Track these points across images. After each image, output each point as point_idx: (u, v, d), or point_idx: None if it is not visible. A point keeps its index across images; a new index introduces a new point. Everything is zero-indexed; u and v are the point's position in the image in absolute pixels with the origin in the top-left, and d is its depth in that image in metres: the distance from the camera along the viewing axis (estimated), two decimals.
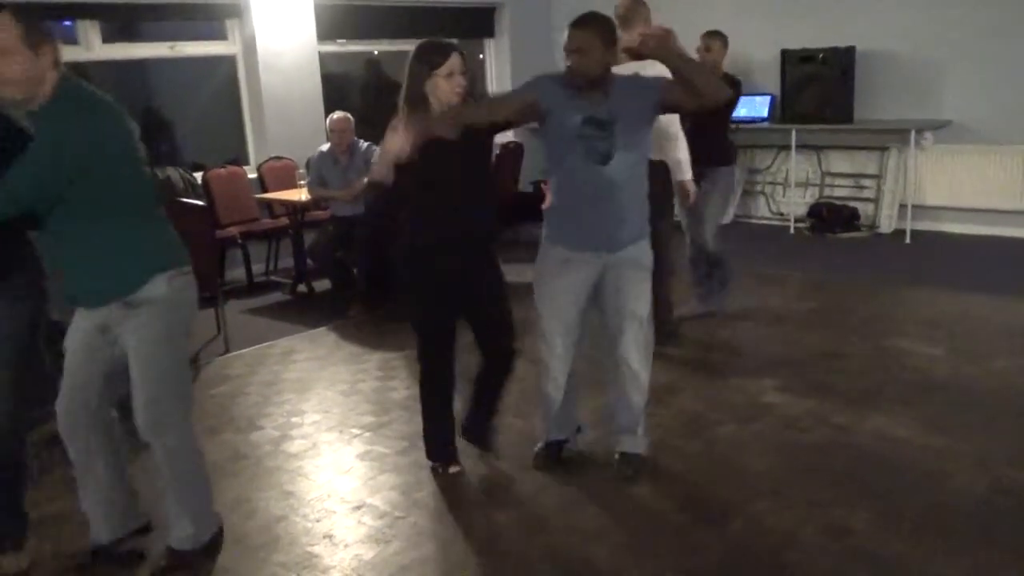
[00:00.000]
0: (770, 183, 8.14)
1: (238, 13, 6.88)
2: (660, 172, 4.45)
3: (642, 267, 3.20)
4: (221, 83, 7.24)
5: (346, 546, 2.98)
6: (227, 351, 5.14)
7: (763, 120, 7.74)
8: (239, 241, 6.49)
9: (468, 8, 8.57)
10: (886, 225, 7.50)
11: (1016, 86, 6.74)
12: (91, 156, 2.42)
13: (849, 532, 2.90)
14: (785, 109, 7.58)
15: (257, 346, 5.22)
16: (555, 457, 3.49)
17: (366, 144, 5.96)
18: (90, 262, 2.57)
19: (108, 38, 6.33)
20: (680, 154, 4.44)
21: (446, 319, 3.23)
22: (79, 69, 7.01)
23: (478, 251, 3.20)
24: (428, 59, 2.97)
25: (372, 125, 6.44)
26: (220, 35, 6.97)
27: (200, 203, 5.54)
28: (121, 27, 6.74)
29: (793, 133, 7.53)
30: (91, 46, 6.19)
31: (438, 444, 3.42)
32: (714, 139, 4.95)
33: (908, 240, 7.08)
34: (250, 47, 6.92)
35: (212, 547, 2.91)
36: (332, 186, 5.90)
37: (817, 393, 4.08)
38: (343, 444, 3.82)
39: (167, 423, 2.70)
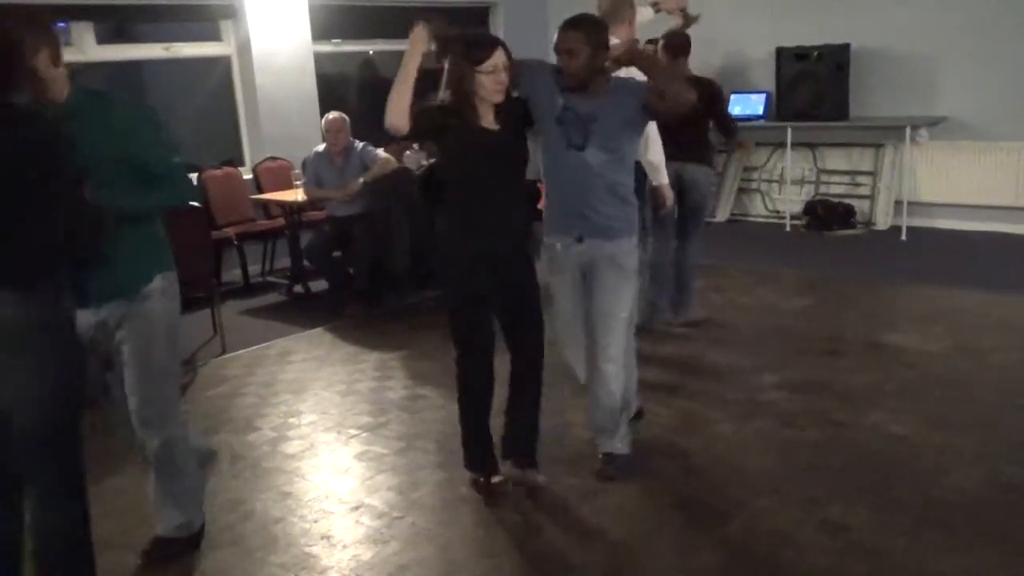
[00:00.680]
0: (766, 181, 8.15)
1: (232, 14, 6.86)
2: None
3: (619, 266, 3.17)
4: (216, 84, 7.23)
5: (344, 547, 2.98)
6: (224, 352, 5.13)
7: (759, 118, 7.74)
8: (235, 242, 6.47)
9: (462, 7, 8.56)
10: (882, 222, 7.51)
11: (1011, 82, 6.75)
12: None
13: (848, 529, 2.90)
14: (780, 106, 7.58)
15: (254, 347, 5.21)
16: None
17: (361, 144, 5.95)
18: (119, 256, 2.56)
19: (103, 39, 6.31)
20: (654, 157, 4.14)
21: (481, 312, 3.10)
22: (74, 71, 7.04)
23: (513, 248, 3.10)
24: (471, 54, 2.89)
25: (368, 125, 6.44)
26: (215, 36, 6.96)
27: (196, 204, 5.52)
28: (115, 28, 6.73)
29: (788, 130, 7.53)
30: (85, 48, 6.16)
31: (477, 455, 3.24)
32: (697, 138, 4.83)
33: (904, 237, 7.08)
34: (245, 48, 6.90)
35: (198, 538, 2.97)
36: (328, 186, 5.89)
37: (815, 390, 4.08)
38: (340, 445, 3.81)
39: (167, 416, 2.75)
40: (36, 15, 2.45)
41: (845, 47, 7.18)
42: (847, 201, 7.62)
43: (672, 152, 4.27)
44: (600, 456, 3.39)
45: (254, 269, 6.81)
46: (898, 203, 7.34)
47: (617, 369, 3.23)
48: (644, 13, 4.36)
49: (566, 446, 3.64)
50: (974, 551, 2.74)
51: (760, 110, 7.75)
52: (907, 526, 2.90)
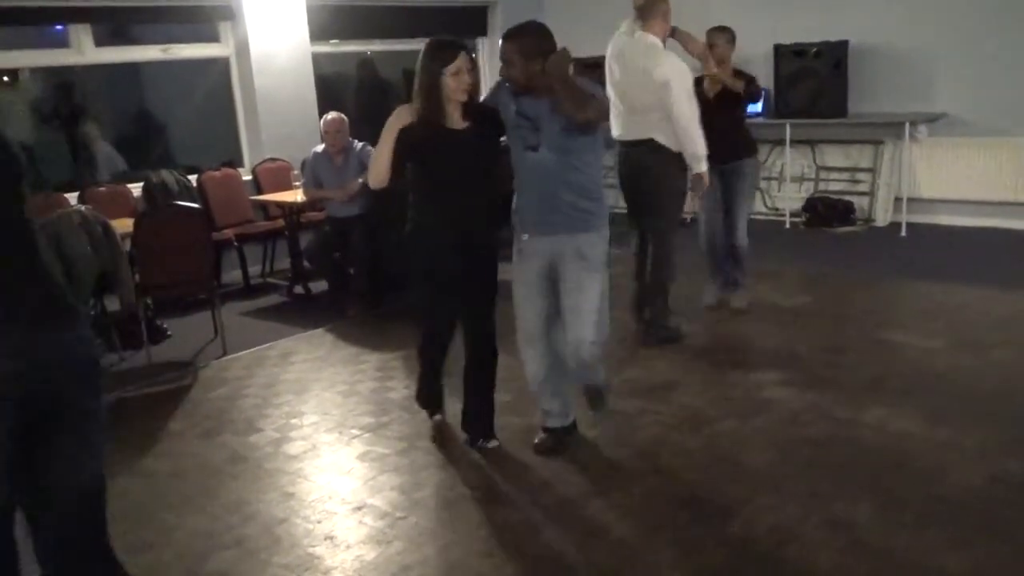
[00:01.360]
0: (765, 178, 8.12)
1: (230, 15, 6.86)
2: (662, 164, 4.46)
3: (584, 259, 3.25)
4: (214, 85, 7.22)
5: (347, 547, 2.98)
6: (224, 354, 5.12)
7: (757, 115, 7.72)
8: (235, 243, 6.48)
9: (461, 7, 8.56)
10: (881, 218, 7.51)
11: (1010, 78, 6.75)
12: None
13: (850, 526, 2.90)
14: (779, 104, 7.58)
15: (255, 348, 5.21)
16: (558, 444, 3.55)
17: (360, 144, 5.95)
18: None
19: (100, 42, 6.30)
20: (696, 148, 4.41)
21: (447, 291, 3.43)
22: (71, 73, 7.03)
23: (477, 244, 3.38)
24: (438, 56, 3.18)
25: (366, 125, 6.45)
26: (213, 37, 6.96)
27: (195, 206, 5.54)
28: (113, 30, 6.72)
29: (787, 128, 7.52)
30: (83, 50, 6.16)
31: (426, 397, 3.78)
32: (737, 131, 5.02)
33: (903, 233, 7.09)
34: (243, 49, 6.90)
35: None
36: (327, 187, 5.89)
37: (817, 387, 4.08)
38: (343, 445, 3.82)
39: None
40: None
41: (844, 44, 7.18)
42: (847, 198, 7.61)
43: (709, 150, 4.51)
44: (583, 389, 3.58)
45: (254, 270, 6.81)
46: (898, 200, 7.34)
47: (594, 358, 3.37)
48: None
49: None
50: (976, 547, 2.74)
51: (759, 107, 7.73)
52: (909, 522, 2.90)
